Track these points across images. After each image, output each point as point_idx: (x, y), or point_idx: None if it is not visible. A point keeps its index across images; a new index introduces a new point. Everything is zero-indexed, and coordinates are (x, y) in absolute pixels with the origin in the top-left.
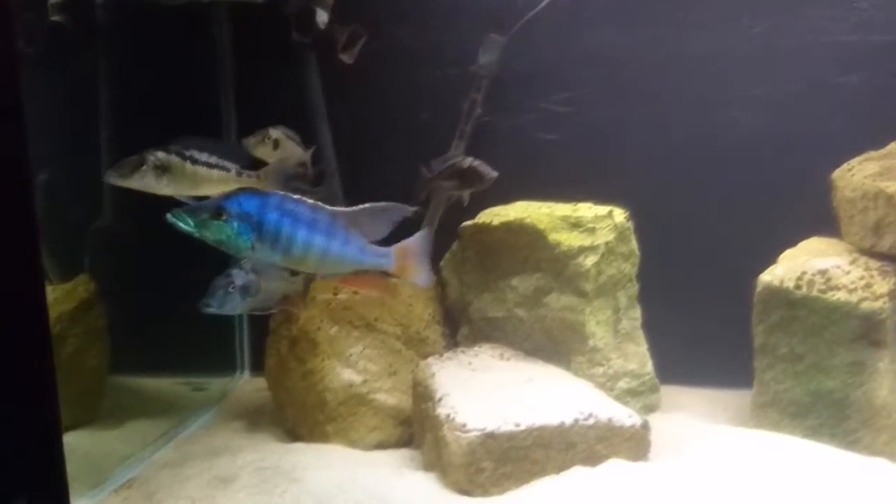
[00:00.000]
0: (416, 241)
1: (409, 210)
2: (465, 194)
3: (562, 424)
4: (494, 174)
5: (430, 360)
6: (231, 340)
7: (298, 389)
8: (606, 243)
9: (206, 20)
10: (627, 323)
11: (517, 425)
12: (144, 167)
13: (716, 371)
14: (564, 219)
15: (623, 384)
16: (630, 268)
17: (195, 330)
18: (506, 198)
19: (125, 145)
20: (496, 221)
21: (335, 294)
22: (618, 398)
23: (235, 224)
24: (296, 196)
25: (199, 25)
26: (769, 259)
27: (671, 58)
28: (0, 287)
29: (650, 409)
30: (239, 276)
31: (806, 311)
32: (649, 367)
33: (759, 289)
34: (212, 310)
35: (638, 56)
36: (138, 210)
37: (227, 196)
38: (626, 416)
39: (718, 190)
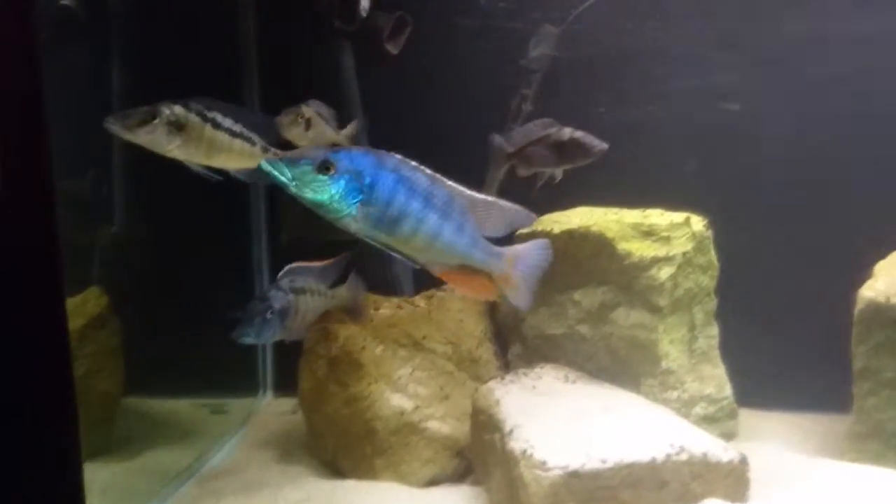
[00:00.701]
0: (532, 252)
1: (535, 218)
2: (559, 171)
3: (653, 461)
4: (603, 146)
5: (492, 384)
6: (252, 357)
7: (341, 417)
8: (683, 253)
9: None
10: (704, 342)
11: (603, 462)
12: (156, 121)
13: (793, 393)
14: (635, 226)
15: (699, 410)
16: (708, 281)
17: (213, 346)
18: (563, 202)
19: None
20: (557, 229)
21: (376, 309)
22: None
23: (343, 182)
24: (413, 162)
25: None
26: (857, 270)
27: (752, 53)
28: (16, 304)
29: (728, 436)
30: (277, 299)
31: None
32: (727, 390)
33: (860, 306)
34: (249, 340)
35: (718, 52)
36: (155, 214)
37: (335, 150)
38: (721, 449)
39: (803, 195)
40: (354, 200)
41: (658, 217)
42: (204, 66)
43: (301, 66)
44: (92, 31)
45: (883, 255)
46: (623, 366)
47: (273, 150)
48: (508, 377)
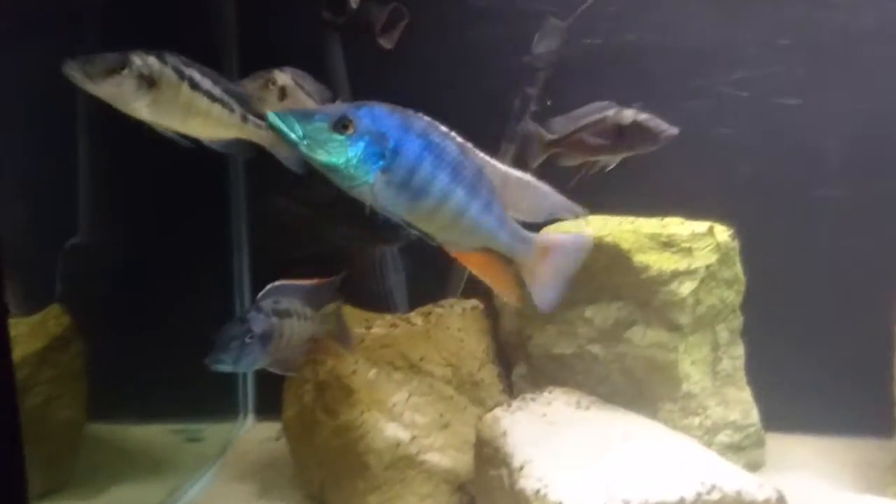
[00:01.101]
0: (570, 245)
1: (580, 213)
2: (613, 160)
3: (682, 501)
4: (672, 131)
5: (498, 412)
6: (232, 379)
7: (330, 448)
8: (707, 266)
9: None
10: (728, 363)
11: (626, 503)
12: (125, 71)
13: (824, 416)
14: (653, 237)
15: (723, 438)
16: (734, 296)
17: (188, 366)
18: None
19: (105, 137)
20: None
21: (369, 328)
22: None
23: (363, 144)
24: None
25: None
26: (889, 283)
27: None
28: None
29: (755, 466)
30: (257, 322)
31: None
32: (754, 416)
33: None
34: (224, 367)
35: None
36: (124, 221)
37: (356, 104)
38: (756, 486)
39: (839, 203)
40: (374, 166)
41: (678, 226)
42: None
43: (286, 58)
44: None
45: None
46: (639, 389)
47: (253, 119)
48: (515, 403)
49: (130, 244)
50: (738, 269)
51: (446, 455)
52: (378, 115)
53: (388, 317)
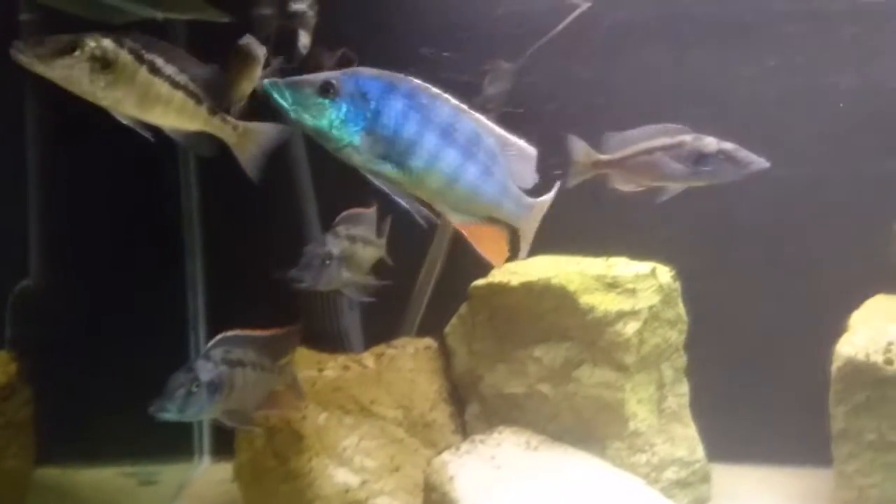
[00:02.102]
0: (546, 203)
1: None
2: (676, 189)
3: None
4: (763, 164)
5: (446, 455)
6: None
7: (280, 496)
8: (650, 307)
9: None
10: (674, 400)
11: None
12: (77, 52)
13: (767, 447)
14: (598, 278)
15: (670, 474)
16: (677, 336)
17: (142, 407)
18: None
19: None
20: (515, 281)
21: (321, 370)
22: (664, 492)
23: (345, 106)
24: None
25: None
26: (830, 316)
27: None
28: None
29: (701, 501)
30: (205, 370)
31: None
32: (700, 452)
33: (838, 363)
34: (170, 416)
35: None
36: (73, 266)
37: (342, 71)
38: None
39: (775, 242)
40: (357, 127)
41: (623, 267)
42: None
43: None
44: None
45: (857, 302)
46: (588, 427)
47: (222, 113)
48: (464, 447)
49: (82, 286)
50: (681, 308)
51: (396, 499)
52: (362, 79)
53: (341, 358)
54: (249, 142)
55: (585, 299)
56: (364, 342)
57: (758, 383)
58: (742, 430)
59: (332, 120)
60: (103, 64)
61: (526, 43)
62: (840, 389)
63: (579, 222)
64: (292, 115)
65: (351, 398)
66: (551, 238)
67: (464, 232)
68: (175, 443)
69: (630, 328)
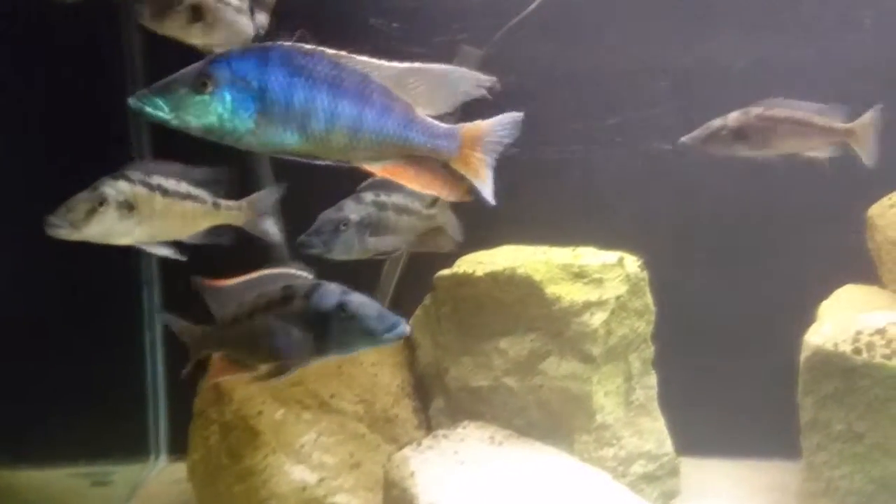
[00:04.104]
0: (498, 127)
1: (489, 82)
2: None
3: None
4: None
5: (407, 451)
6: (142, 415)
7: (234, 496)
8: (617, 297)
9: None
10: (641, 393)
11: None
12: (104, 206)
13: (736, 440)
14: (565, 268)
15: (638, 468)
16: (645, 326)
17: (94, 403)
18: (488, 240)
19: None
20: (480, 271)
21: None
22: (632, 486)
23: (228, 95)
24: (309, 46)
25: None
26: (795, 309)
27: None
28: None
29: (670, 495)
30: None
31: (868, 382)
32: (668, 445)
33: (806, 353)
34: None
35: (648, 78)
36: (17, 259)
37: (210, 59)
38: None
39: (743, 232)
40: (248, 112)
41: (590, 257)
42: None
43: None
44: None
45: (825, 293)
46: (555, 421)
47: (224, 202)
48: (426, 441)
49: (29, 280)
50: (649, 299)
51: (356, 496)
52: (233, 61)
53: None
54: (255, 212)
55: (551, 289)
56: None
57: (727, 375)
58: (711, 422)
59: (220, 114)
60: (128, 207)
61: (482, 13)
62: (808, 380)
63: (546, 211)
64: (174, 122)
65: (310, 393)
66: (518, 227)
67: (389, 175)
68: (130, 442)
69: (597, 319)
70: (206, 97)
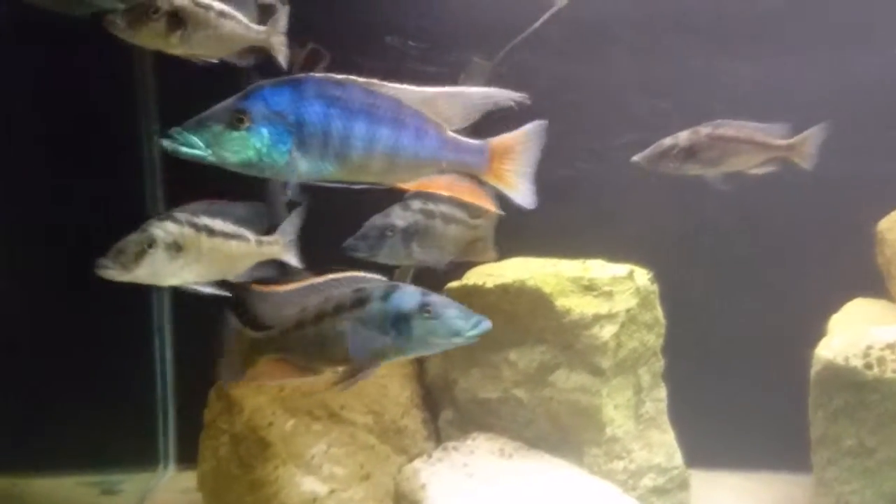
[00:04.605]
0: (522, 135)
1: (519, 98)
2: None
3: None
4: None
5: (417, 463)
6: (151, 425)
7: None
8: (627, 310)
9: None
10: (651, 406)
11: None
12: (153, 248)
13: (745, 452)
14: (575, 280)
15: (647, 482)
16: (654, 339)
17: (104, 412)
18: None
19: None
20: (490, 283)
21: None
22: (642, 499)
23: (266, 130)
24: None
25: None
26: (804, 322)
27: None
28: None
29: None
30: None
31: (879, 396)
32: (678, 458)
33: (817, 368)
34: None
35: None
36: (28, 267)
37: (244, 94)
38: None
39: (754, 245)
40: (285, 146)
41: (600, 270)
42: (97, 95)
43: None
44: None
45: (835, 306)
46: (564, 433)
47: (265, 239)
48: (436, 454)
49: (40, 288)
50: (659, 312)
51: None
52: (268, 95)
53: None
54: (291, 244)
55: (561, 302)
56: None
57: (737, 388)
58: (721, 435)
59: (258, 148)
60: (176, 248)
61: (497, 33)
62: (819, 394)
63: (555, 223)
64: (211, 159)
65: (320, 403)
66: (526, 240)
67: (422, 188)
68: (139, 451)
69: (607, 332)
70: (243, 133)
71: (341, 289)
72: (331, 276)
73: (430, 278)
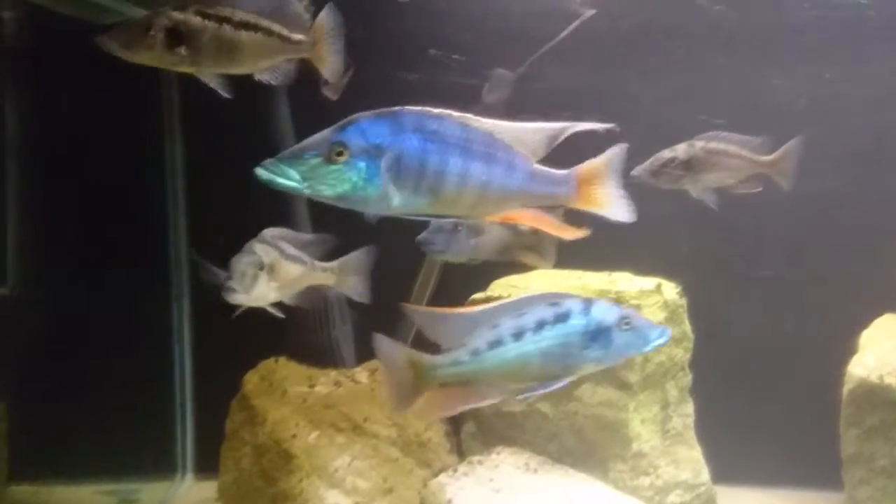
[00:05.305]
0: (605, 160)
1: (610, 126)
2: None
3: None
4: None
5: (443, 478)
6: (170, 434)
7: None
8: None
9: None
10: (678, 421)
11: None
12: (263, 271)
13: (773, 468)
14: (601, 293)
15: (674, 498)
16: (682, 354)
17: (123, 421)
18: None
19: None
20: (515, 295)
21: (312, 386)
22: None
23: (363, 164)
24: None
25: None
26: (833, 337)
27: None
28: None
29: None
30: None
31: None
32: (705, 475)
33: (850, 386)
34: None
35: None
36: (55, 271)
37: (342, 126)
38: None
39: (784, 259)
40: (381, 180)
41: (626, 283)
42: (123, 114)
43: (230, 113)
44: None
45: (863, 321)
46: (590, 448)
47: (320, 265)
48: (461, 468)
49: (62, 296)
50: (687, 326)
51: None
52: (366, 128)
53: (333, 373)
54: (347, 276)
55: None
56: (357, 357)
57: (764, 403)
58: (748, 451)
59: (355, 182)
60: (270, 270)
61: (536, 46)
62: (852, 412)
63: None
64: (307, 192)
65: (343, 416)
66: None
67: (513, 220)
68: (157, 460)
69: None
70: (341, 166)
71: (535, 306)
72: (518, 297)
73: (452, 286)
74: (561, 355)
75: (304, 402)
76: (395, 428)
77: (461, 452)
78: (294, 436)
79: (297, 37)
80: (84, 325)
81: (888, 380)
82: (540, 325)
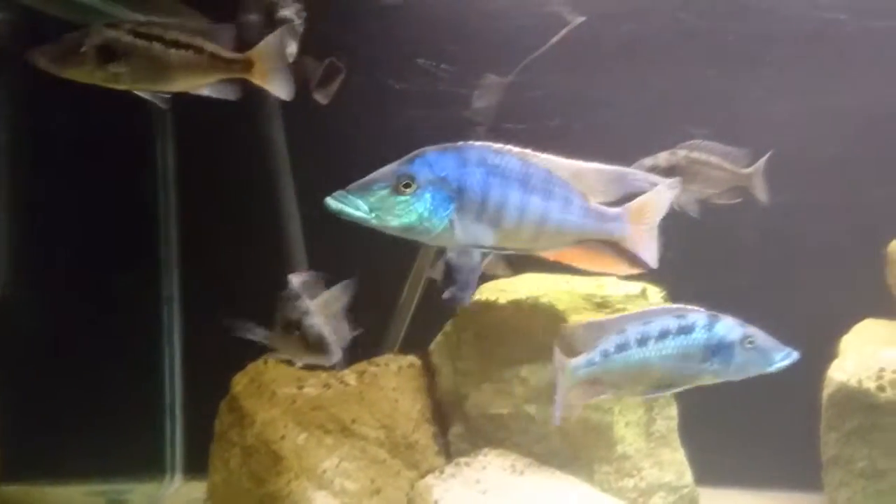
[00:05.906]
0: (655, 196)
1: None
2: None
3: None
4: None
5: (430, 479)
6: (159, 435)
7: None
8: None
9: None
10: (662, 424)
11: None
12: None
13: (754, 470)
14: (588, 297)
15: (658, 500)
16: None
17: (112, 421)
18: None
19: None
20: (503, 299)
21: (300, 388)
22: None
23: (430, 195)
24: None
25: None
26: (814, 342)
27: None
28: None
29: None
30: None
31: (892, 419)
32: (688, 477)
33: (830, 390)
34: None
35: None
36: (47, 272)
37: (409, 159)
38: None
39: (763, 264)
40: (446, 212)
41: (613, 287)
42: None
43: (221, 114)
44: None
45: (844, 326)
46: (575, 450)
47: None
48: (448, 469)
49: (53, 297)
50: None
51: None
52: (433, 161)
53: (322, 375)
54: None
55: (575, 319)
56: (345, 358)
57: (747, 406)
58: (731, 453)
59: (420, 213)
60: None
61: (526, 55)
62: (832, 416)
63: None
64: (374, 222)
65: (331, 417)
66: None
67: (566, 260)
68: (146, 460)
69: None
70: (408, 198)
71: (660, 317)
72: (647, 308)
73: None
74: (680, 365)
75: (292, 403)
76: (383, 430)
77: (449, 454)
78: (283, 437)
79: (229, 56)
80: (75, 326)
81: (867, 384)
82: (663, 335)
